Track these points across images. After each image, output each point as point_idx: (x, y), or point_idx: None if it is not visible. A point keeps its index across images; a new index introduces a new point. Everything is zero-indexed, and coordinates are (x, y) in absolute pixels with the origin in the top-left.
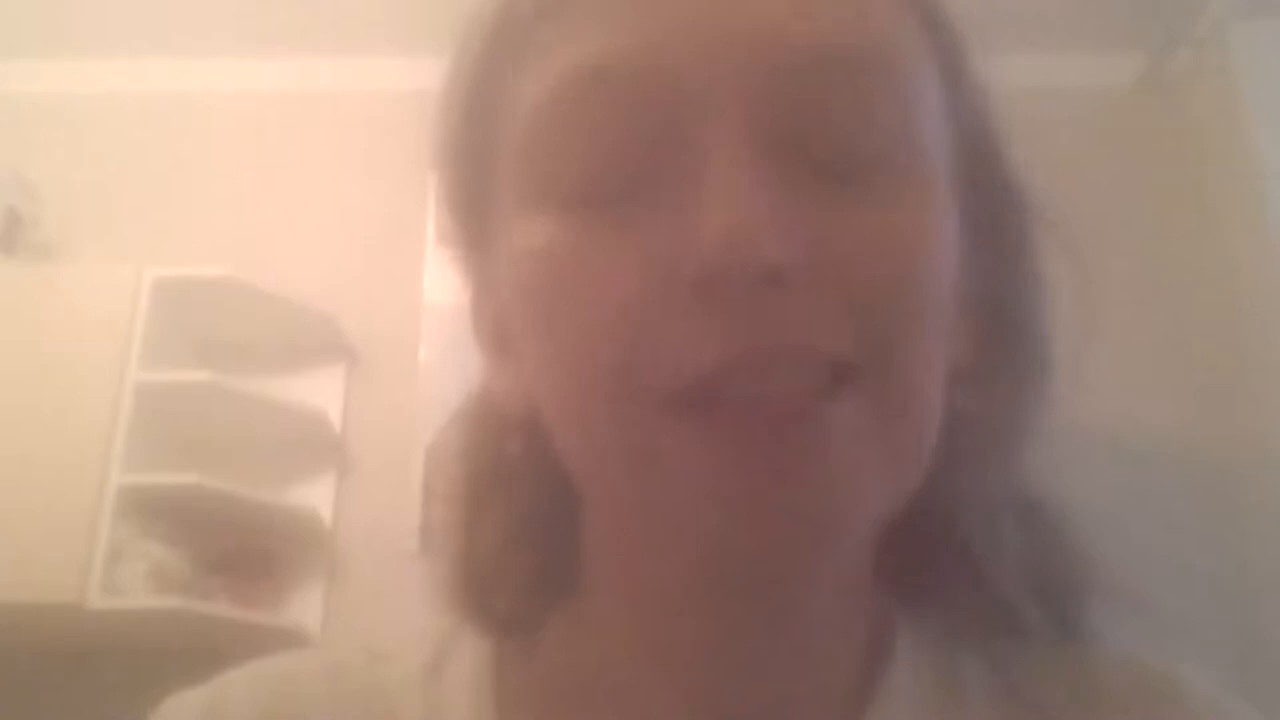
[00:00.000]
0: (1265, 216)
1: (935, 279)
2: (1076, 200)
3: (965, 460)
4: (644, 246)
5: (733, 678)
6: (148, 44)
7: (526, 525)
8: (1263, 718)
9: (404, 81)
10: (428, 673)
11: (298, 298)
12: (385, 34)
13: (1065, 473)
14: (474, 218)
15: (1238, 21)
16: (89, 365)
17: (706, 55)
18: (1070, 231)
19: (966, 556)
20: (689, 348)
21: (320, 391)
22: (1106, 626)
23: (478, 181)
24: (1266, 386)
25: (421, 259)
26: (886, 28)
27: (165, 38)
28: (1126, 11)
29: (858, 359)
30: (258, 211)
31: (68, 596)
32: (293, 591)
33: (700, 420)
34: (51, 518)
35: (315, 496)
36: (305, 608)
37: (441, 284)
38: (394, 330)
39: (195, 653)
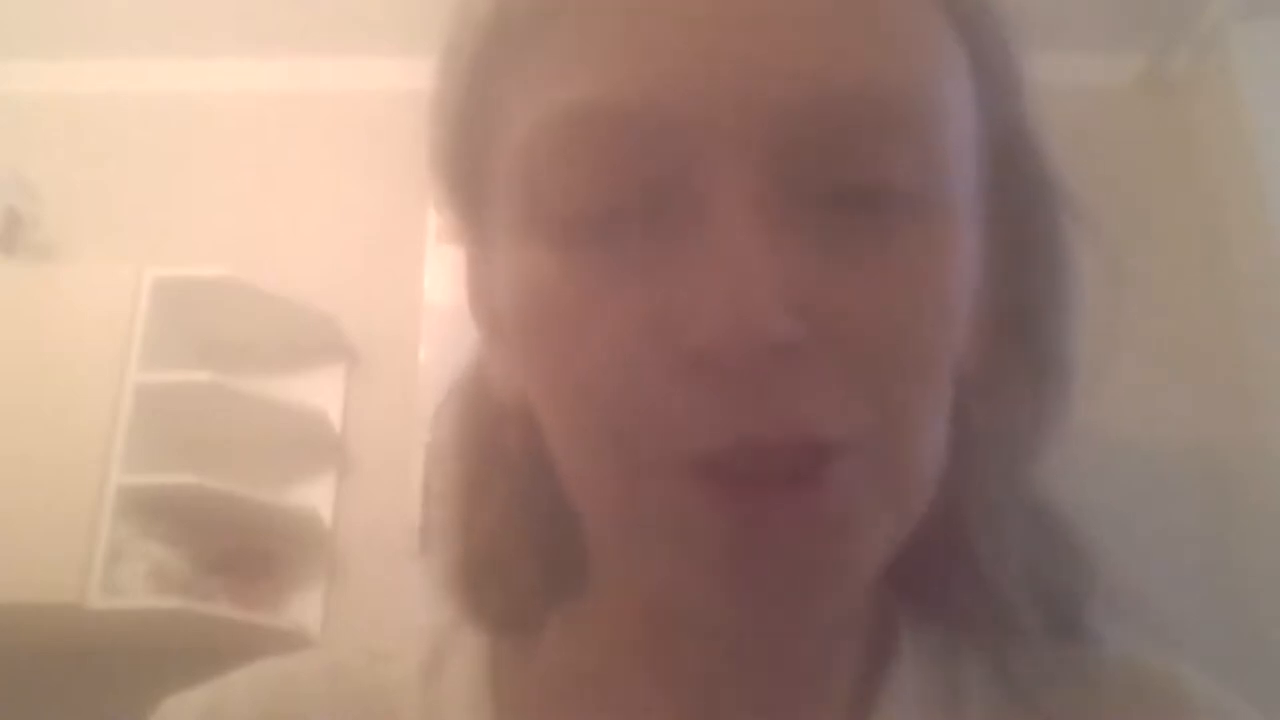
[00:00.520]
0: (1265, 216)
1: (945, 335)
2: None
3: (974, 465)
4: (641, 307)
5: (734, 687)
6: (148, 44)
7: (526, 521)
8: (1263, 718)
9: (404, 81)
10: (426, 673)
11: (298, 298)
12: (385, 34)
13: (1064, 472)
14: (471, 213)
15: (1238, 22)
16: (89, 365)
17: (712, 97)
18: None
19: (969, 558)
20: (686, 422)
21: (320, 391)
22: (1108, 627)
23: (473, 181)
24: (1267, 387)
25: (421, 259)
26: (910, 53)
27: (165, 38)
28: (1126, 11)
29: (856, 430)
30: (258, 211)
31: (68, 596)
32: (293, 592)
33: (697, 486)
34: (51, 518)
35: (315, 496)
36: (305, 608)
37: (441, 284)
38: (394, 330)
39: (195, 653)
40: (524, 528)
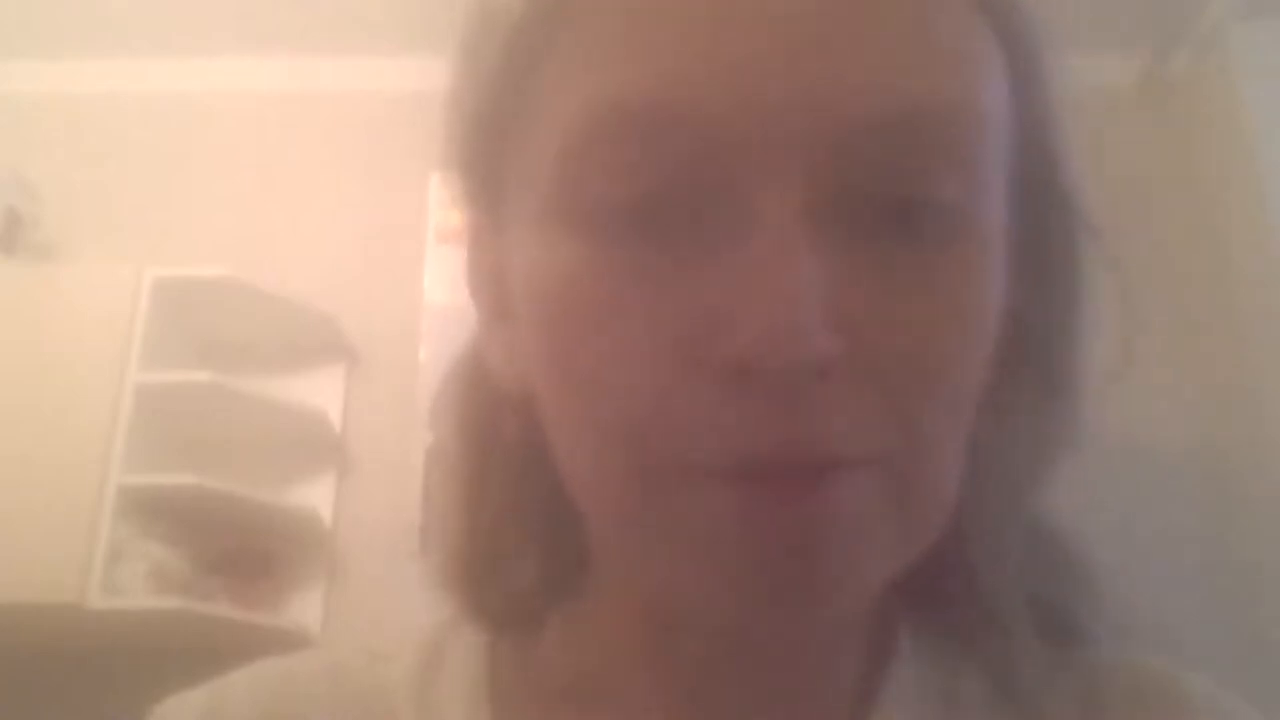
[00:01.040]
0: (1265, 216)
1: (975, 359)
2: None
3: (978, 480)
4: (676, 308)
5: (734, 688)
6: (148, 44)
7: (525, 515)
8: (1263, 719)
9: (404, 81)
10: (424, 673)
11: (298, 298)
12: (385, 34)
13: (1065, 473)
14: (486, 197)
15: (1238, 22)
16: (89, 365)
17: (769, 104)
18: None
19: (968, 567)
20: (715, 432)
21: (320, 391)
22: (1107, 629)
23: (492, 168)
24: (1267, 387)
25: (421, 259)
26: (963, 71)
27: (165, 38)
28: (1126, 12)
29: (878, 448)
30: (258, 211)
31: (68, 596)
32: (293, 591)
33: (707, 491)
34: (51, 518)
35: (315, 496)
36: (305, 608)
37: (441, 284)
38: (394, 330)
39: (195, 653)
40: (522, 522)
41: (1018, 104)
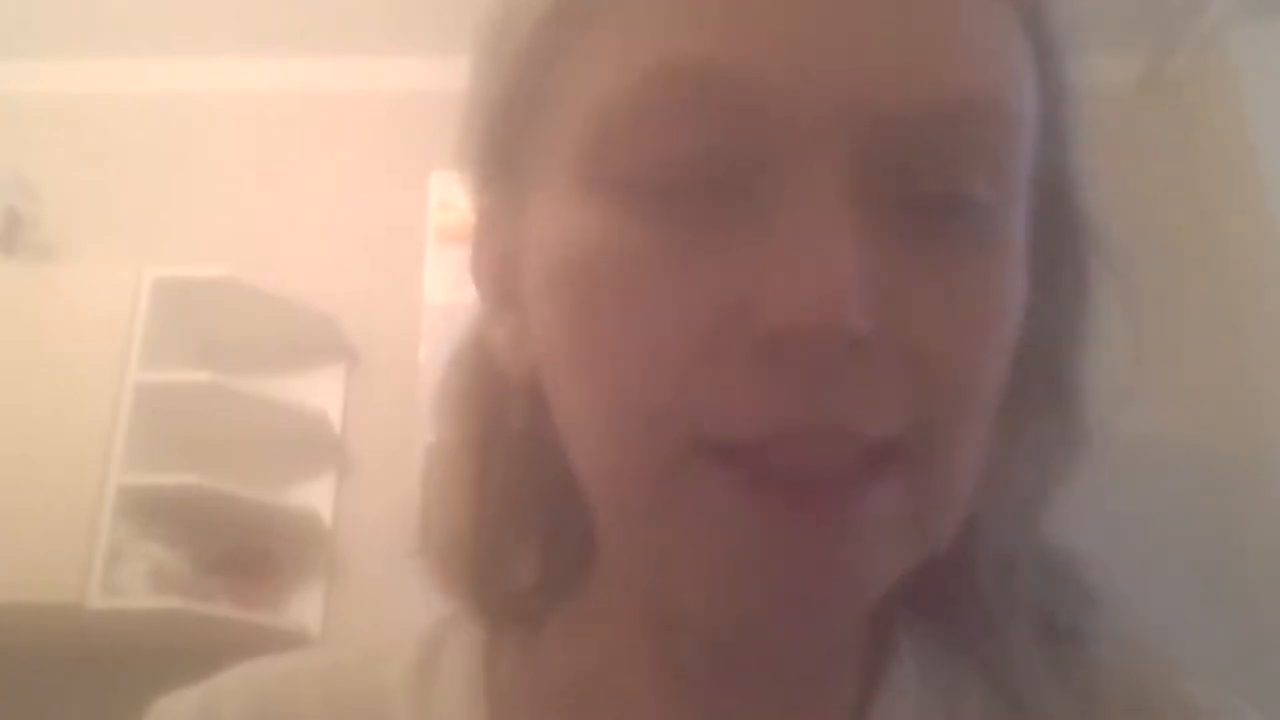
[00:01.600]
0: (1265, 216)
1: (999, 355)
2: None
3: (986, 493)
4: (716, 280)
5: (733, 691)
6: (148, 44)
7: (530, 507)
8: None
9: (404, 81)
10: (420, 673)
11: (298, 298)
12: (385, 34)
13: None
14: (503, 158)
15: (1238, 22)
16: (89, 365)
17: (820, 80)
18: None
19: (969, 570)
20: (742, 407)
21: (320, 391)
22: (1106, 630)
23: (520, 128)
24: (1267, 387)
25: (421, 259)
26: (1005, 76)
27: (165, 38)
28: (1126, 12)
29: (904, 441)
30: (258, 211)
31: (68, 596)
32: (293, 592)
33: (738, 475)
34: (51, 518)
35: (315, 496)
36: (305, 608)
37: (441, 284)
38: (394, 330)
39: (195, 653)
40: (525, 514)
41: (1043, 118)
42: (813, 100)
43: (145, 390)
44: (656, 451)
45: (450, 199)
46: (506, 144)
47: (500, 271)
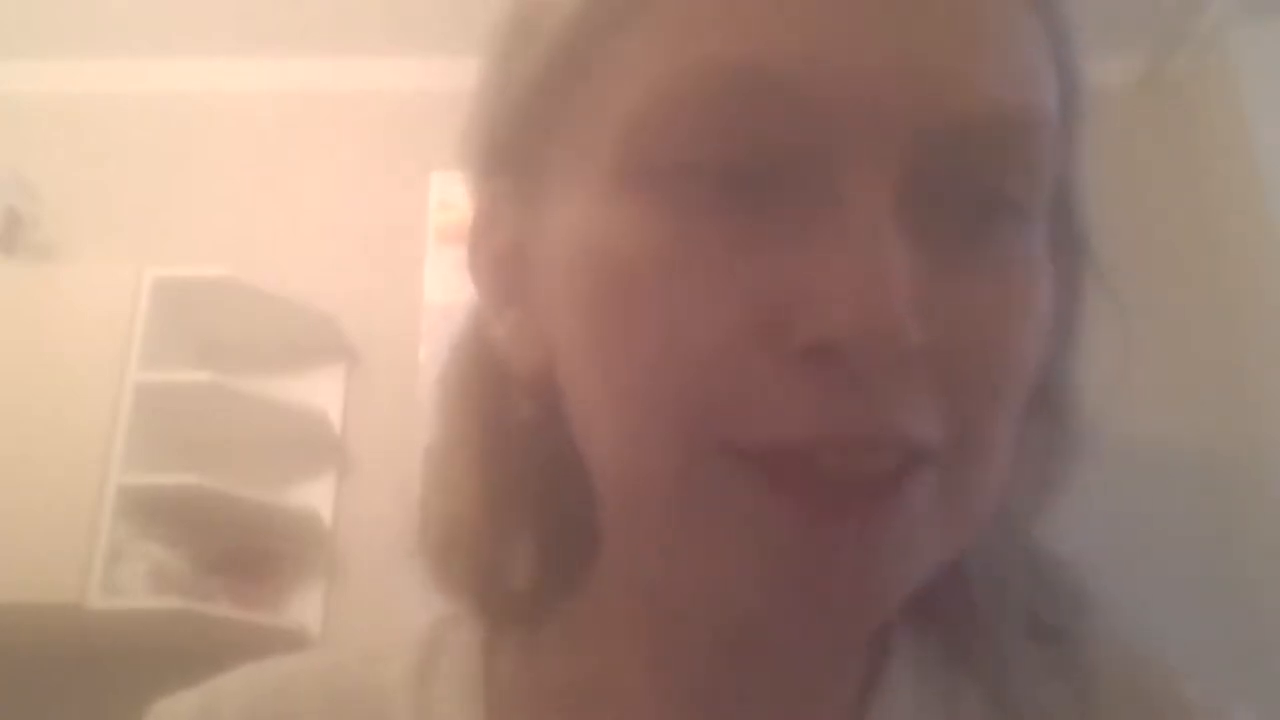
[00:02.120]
0: (1265, 217)
1: (1035, 355)
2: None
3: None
4: (758, 282)
5: (737, 695)
6: (148, 44)
7: (534, 503)
8: None
9: (404, 81)
10: (420, 674)
11: (298, 298)
12: (385, 34)
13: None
14: (520, 146)
15: (1238, 22)
16: (89, 365)
17: (871, 85)
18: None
19: (966, 583)
20: (780, 415)
21: (320, 391)
22: (1104, 630)
23: (542, 119)
24: (1266, 387)
25: (421, 259)
26: (1043, 80)
27: (165, 38)
28: (1126, 12)
29: (940, 446)
30: (258, 211)
31: (68, 596)
32: (293, 592)
33: (772, 480)
34: (51, 518)
35: (315, 496)
36: (305, 608)
37: (441, 284)
38: (394, 330)
39: (195, 653)
40: (529, 511)
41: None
42: (861, 104)
43: (145, 390)
44: (681, 451)
45: (450, 199)
46: (526, 139)
47: (503, 265)
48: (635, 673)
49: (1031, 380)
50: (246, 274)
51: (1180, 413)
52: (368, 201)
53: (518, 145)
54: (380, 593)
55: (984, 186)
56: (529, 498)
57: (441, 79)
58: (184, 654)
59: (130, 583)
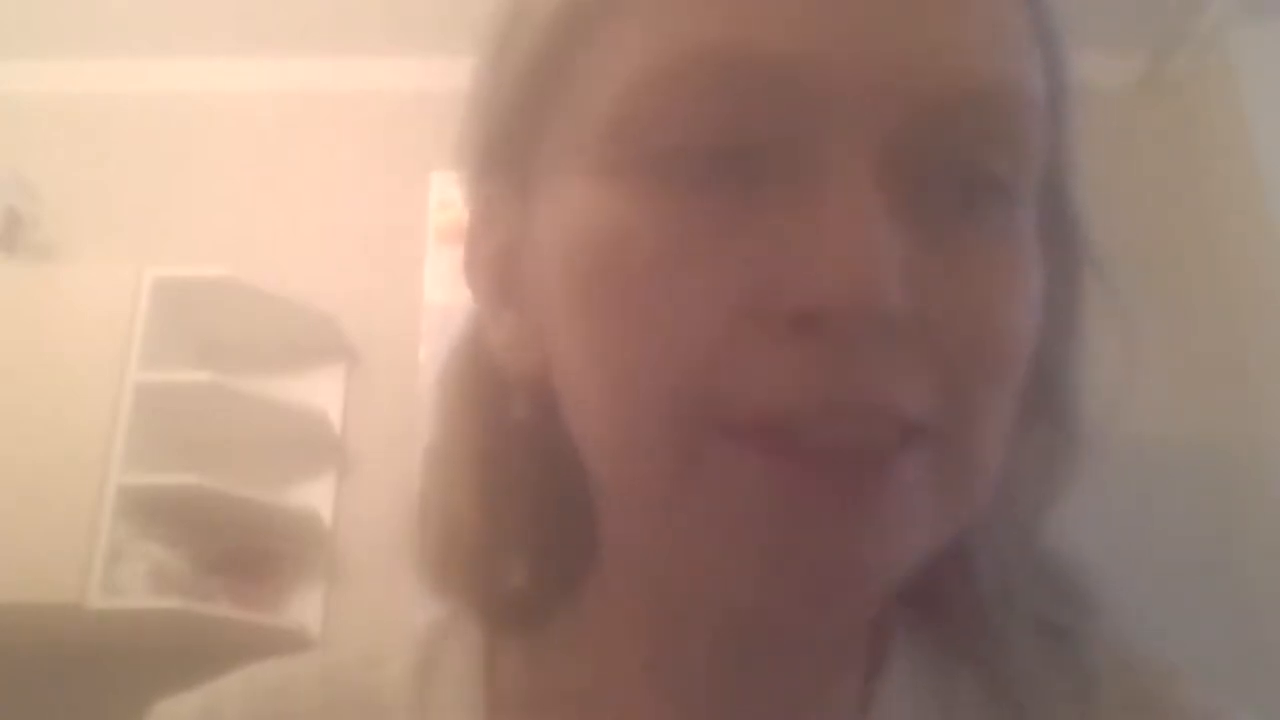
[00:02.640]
0: (1265, 216)
1: (1027, 334)
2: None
3: (985, 508)
4: (746, 257)
5: (737, 697)
6: (148, 44)
7: (532, 506)
8: None
9: (404, 81)
10: (420, 677)
11: (298, 298)
12: (385, 34)
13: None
14: (512, 148)
15: (1238, 22)
16: (89, 365)
17: (853, 65)
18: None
19: (970, 582)
20: (772, 384)
21: (320, 391)
22: (1105, 629)
23: (532, 119)
24: (1267, 386)
25: (421, 259)
26: (1025, 59)
27: (165, 38)
28: (1126, 12)
29: (933, 420)
30: (258, 211)
31: (68, 596)
32: (293, 592)
33: (763, 455)
34: (51, 518)
35: (315, 496)
36: (305, 608)
37: (441, 284)
38: (394, 330)
39: (195, 653)
40: (527, 513)
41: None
42: (845, 83)
43: (145, 390)
44: (677, 429)
45: (450, 199)
46: (517, 137)
47: (498, 268)
48: (635, 675)
49: (1024, 359)
50: (246, 274)
51: (1180, 412)
52: (368, 201)
53: (509, 145)
54: (380, 593)
55: (969, 164)
56: (527, 500)
57: (441, 79)
58: (184, 654)
59: (130, 583)
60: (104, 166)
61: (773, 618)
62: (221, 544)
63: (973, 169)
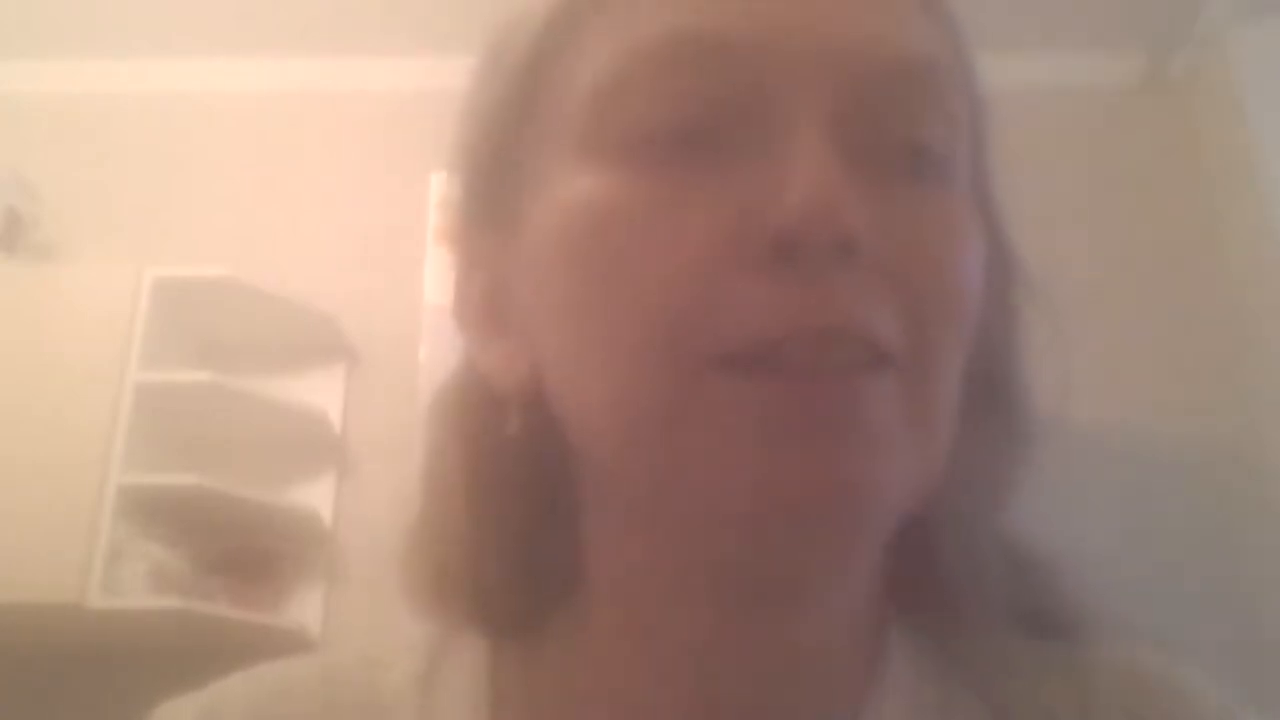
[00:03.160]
0: (1265, 217)
1: (974, 285)
2: (1076, 200)
3: (945, 489)
4: (719, 203)
5: (734, 687)
6: (148, 44)
7: (526, 516)
8: (1261, 718)
9: (404, 81)
10: (422, 680)
11: (298, 298)
12: (385, 34)
13: (1064, 473)
14: (493, 191)
15: (1238, 22)
16: (89, 365)
17: (809, 46)
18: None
19: (944, 573)
20: (754, 313)
21: (320, 391)
22: (1105, 627)
23: (509, 154)
24: (1266, 386)
25: (421, 259)
26: (947, 53)
27: (165, 38)
28: (1126, 12)
29: (900, 346)
30: (258, 211)
31: (68, 596)
32: (293, 592)
33: (752, 381)
34: (51, 518)
35: (315, 496)
36: (305, 608)
37: (441, 284)
38: (394, 330)
39: (195, 653)
40: (523, 523)
41: (970, 133)
42: (794, 59)
43: (145, 390)
44: (671, 371)
45: (450, 199)
46: (503, 150)
47: (488, 303)
48: (632, 671)
49: (972, 309)
50: (246, 274)
51: (1180, 412)
52: (368, 201)
53: (498, 156)
54: (380, 593)
55: (907, 132)
56: (517, 514)
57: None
58: (184, 654)
59: (130, 583)
60: (104, 166)
61: (765, 549)
62: (221, 544)
63: (912, 137)
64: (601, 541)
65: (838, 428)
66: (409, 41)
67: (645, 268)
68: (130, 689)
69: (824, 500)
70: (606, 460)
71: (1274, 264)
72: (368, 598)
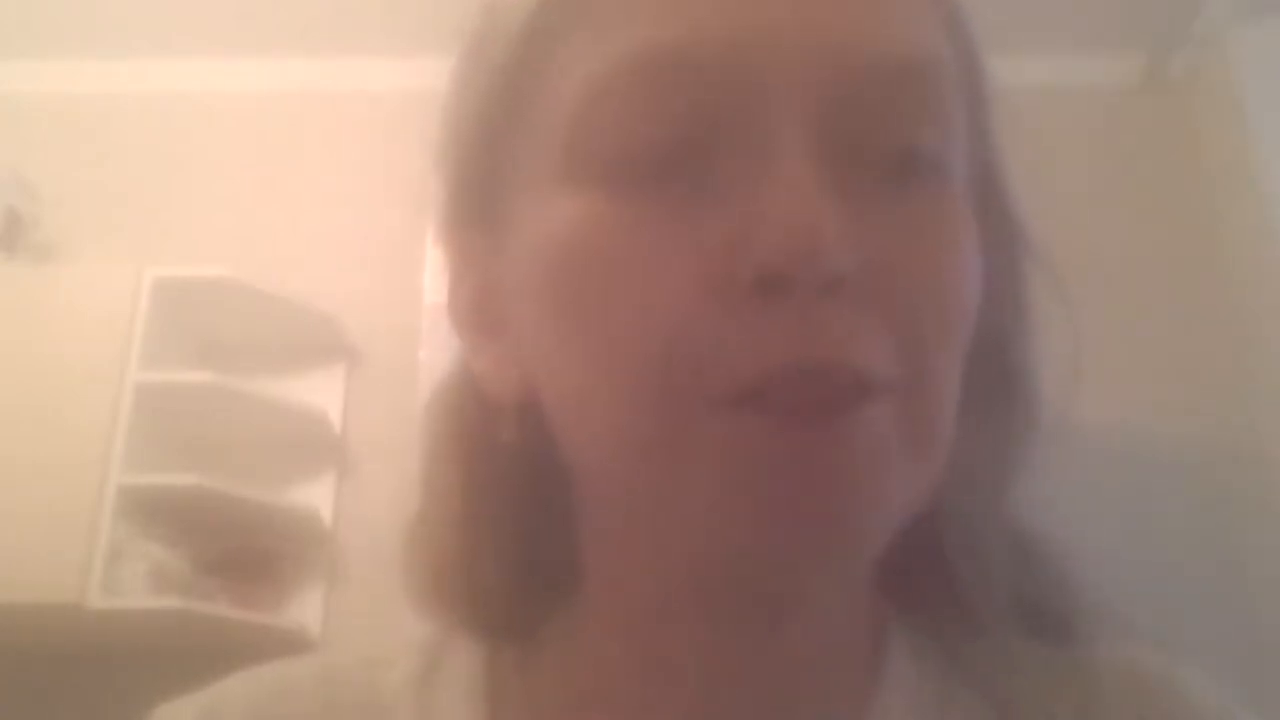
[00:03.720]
0: (1265, 217)
1: (970, 294)
2: (1076, 200)
3: (949, 483)
4: (702, 238)
5: (732, 689)
6: (148, 44)
7: (522, 520)
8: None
9: (404, 81)
10: (422, 680)
11: (298, 298)
12: (385, 34)
13: (1064, 473)
14: (479, 192)
15: (1238, 22)
16: (89, 365)
17: (785, 53)
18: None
19: (948, 570)
20: (741, 354)
21: (320, 391)
22: (1105, 628)
23: (494, 156)
24: (1266, 386)
25: (421, 259)
26: (940, 48)
27: (165, 38)
28: (1126, 12)
29: (891, 374)
30: (258, 211)
31: (68, 596)
32: (293, 592)
33: (743, 418)
34: (51, 518)
35: (315, 496)
36: (305, 608)
37: (441, 284)
38: (394, 330)
39: (195, 653)
40: (520, 528)
41: (971, 118)
42: (778, 66)
43: (145, 390)
44: (668, 405)
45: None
46: (486, 165)
47: (479, 304)
48: (630, 672)
49: (969, 321)
50: (246, 274)
51: (1180, 412)
52: (368, 201)
53: (480, 185)
54: (380, 593)
55: (899, 137)
56: (513, 520)
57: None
58: (184, 654)
59: (130, 583)
60: (104, 166)
61: (761, 574)
62: (221, 544)
63: (902, 139)
64: (598, 545)
65: (831, 463)
66: (409, 41)
67: (630, 304)
68: (130, 689)
69: (820, 533)
70: (601, 481)
71: (1274, 264)
72: (368, 598)
